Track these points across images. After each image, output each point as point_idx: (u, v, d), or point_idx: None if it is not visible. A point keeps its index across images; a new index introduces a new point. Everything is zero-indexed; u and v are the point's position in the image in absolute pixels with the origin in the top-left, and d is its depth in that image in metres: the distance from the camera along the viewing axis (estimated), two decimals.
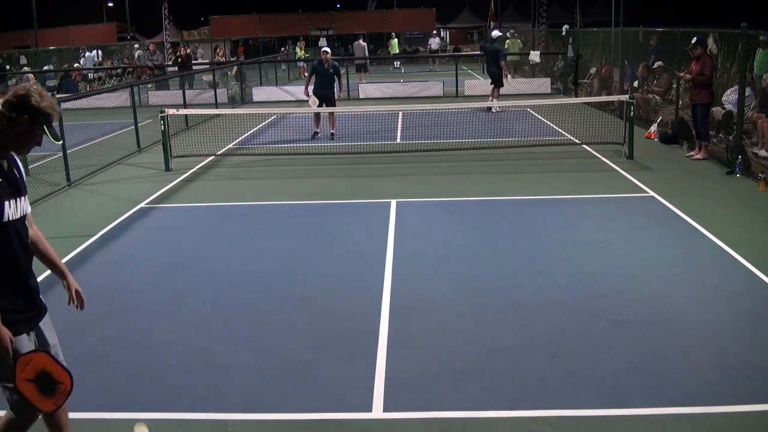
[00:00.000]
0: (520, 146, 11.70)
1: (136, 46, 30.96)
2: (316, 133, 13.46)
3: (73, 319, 5.29)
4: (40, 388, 2.91)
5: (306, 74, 13.28)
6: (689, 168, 10.12)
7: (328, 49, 13.77)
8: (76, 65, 27.27)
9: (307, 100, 13.45)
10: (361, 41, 26.52)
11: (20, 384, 2.88)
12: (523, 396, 4.02)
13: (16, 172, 3.05)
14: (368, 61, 26.51)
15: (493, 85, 16.58)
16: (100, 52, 30.01)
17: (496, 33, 17.51)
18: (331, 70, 13.29)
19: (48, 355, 2.98)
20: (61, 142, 3.07)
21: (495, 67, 16.51)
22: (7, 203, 2.90)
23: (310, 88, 13.41)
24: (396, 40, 34.24)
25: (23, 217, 3.03)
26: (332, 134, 13.36)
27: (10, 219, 2.92)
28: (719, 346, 4.57)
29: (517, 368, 4.37)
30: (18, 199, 2.98)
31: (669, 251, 6.48)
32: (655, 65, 14.12)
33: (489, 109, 15.66)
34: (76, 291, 3.30)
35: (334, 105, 13.59)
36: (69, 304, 3.30)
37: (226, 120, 15.62)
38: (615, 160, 10.57)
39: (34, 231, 3.19)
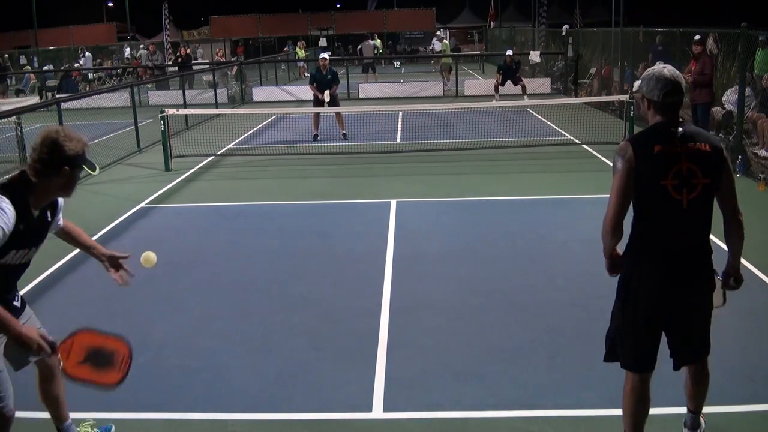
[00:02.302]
0: (520, 146, 11.70)
1: (142, 45, 30.90)
2: (315, 135, 13.40)
3: (73, 320, 5.29)
4: (96, 364, 2.76)
5: (307, 74, 13.18)
6: None
7: (326, 55, 13.65)
8: (76, 65, 27.28)
9: (322, 99, 13.31)
10: (370, 41, 26.59)
11: (72, 372, 2.75)
12: (523, 396, 4.02)
13: (49, 215, 3.02)
14: (375, 61, 26.53)
15: (521, 84, 17.41)
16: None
17: (510, 52, 18.67)
18: (329, 77, 13.22)
19: (87, 330, 2.84)
20: (97, 171, 3.13)
21: (515, 75, 17.48)
22: (14, 251, 2.84)
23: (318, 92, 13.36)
24: (378, 40, 34.39)
25: (25, 264, 3.00)
26: (344, 135, 13.27)
27: (8, 263, 2.87)
28: (719, 346, 4.53)
29: (517, 368, 4.36)
30: (29, 249, 2.93)
31: None
32: (656, 64, 14.12)
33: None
34: (114, 256, 3.45)
35: (338, 104, 13.54)
36: (120, 279, 3.49)
37: (226, 120, 15.63)
38: None
39: (66, 225, 3.25)
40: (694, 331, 3.20)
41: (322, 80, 13.17)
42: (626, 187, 2.98)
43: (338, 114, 13.37)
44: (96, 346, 2.79)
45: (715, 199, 3.09)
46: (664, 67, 3.09)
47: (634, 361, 3.22)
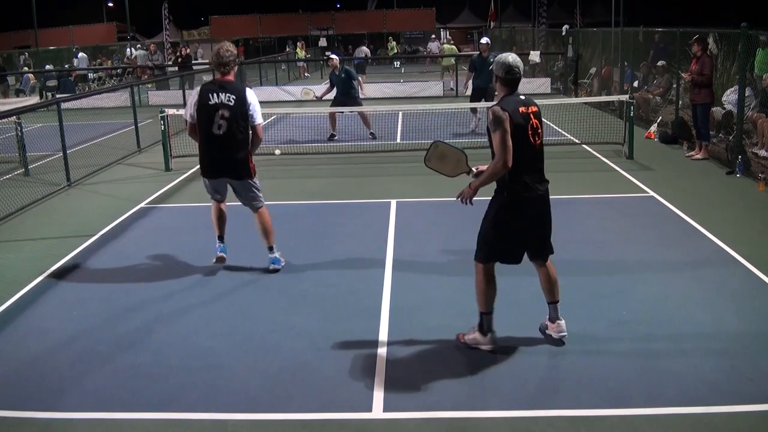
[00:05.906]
0: None
1: (140, 45, 30.83)
2: (332, 135, 13.41)
3: (73, 319, 5.30)
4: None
5: (307, 74, 13.28)
6: (689, 168, 10.12)
7: (334, 56, 13.77)
8: (75, 64, 27.27)
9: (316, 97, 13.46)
10: (363, 47, 27.09)
11: None
12: (523, 396, 4.02)
13: None
14: (365, 63, 26.87)
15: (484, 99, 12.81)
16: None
17: (486, 39, 14.04)
18: (343, 75, 13.25)
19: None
20: None
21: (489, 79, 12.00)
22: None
23: (329, 95, 13.46)
24: (393, 42, 34.94)
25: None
26: (372, 134, 13.31)
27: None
28: (719, 346, 4.57)
29: (517, 368, 4.37)
30: None
31: (669, 251, 6.47)
32: (659, 63, 14.13)
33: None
34: None
35: (359, 104, 13.54)
36: None
37: None
38: (615, 160, 10.57)
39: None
40: None
41: (337, 80, 13.22)
42: (509, 138, 4.29)
43: (362, 114, 13.44)
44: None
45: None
46: (509, 54, 4.39)
47: (501, 257, 4.69)
